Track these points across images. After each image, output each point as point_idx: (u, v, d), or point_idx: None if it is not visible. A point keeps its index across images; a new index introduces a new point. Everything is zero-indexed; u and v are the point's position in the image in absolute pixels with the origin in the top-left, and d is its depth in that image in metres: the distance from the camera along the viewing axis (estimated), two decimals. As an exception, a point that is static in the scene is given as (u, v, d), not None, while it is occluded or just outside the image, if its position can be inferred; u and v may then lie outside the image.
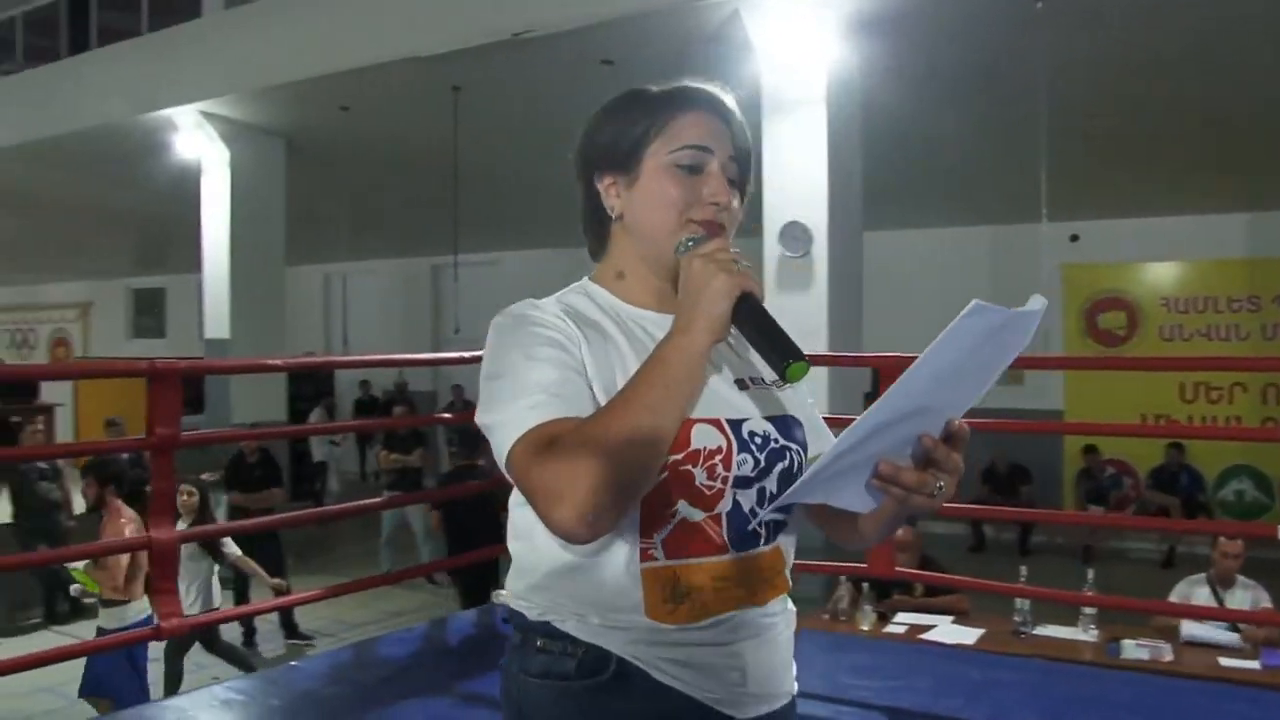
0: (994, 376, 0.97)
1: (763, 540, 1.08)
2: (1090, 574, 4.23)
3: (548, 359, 1.00)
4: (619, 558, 1.01)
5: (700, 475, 1.01)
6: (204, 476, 7.17)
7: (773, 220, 5.55)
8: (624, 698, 1.02)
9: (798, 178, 5.46)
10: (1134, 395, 8.59)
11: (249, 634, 6.05)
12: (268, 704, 2.46)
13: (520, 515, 1.06)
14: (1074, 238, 8.91)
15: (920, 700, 2.46)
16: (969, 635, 4.19)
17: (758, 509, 1.06)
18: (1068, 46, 5.48)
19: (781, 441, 1.09)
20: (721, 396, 1.06)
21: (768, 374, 1.10)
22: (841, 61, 5.58)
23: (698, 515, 1.02)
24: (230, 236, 8.12)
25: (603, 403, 0.99)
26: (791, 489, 1.00)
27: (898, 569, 3.47)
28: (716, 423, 1.04)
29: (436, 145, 7.42)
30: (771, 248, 5.56)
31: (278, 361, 5.68)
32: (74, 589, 4.29)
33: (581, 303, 1.11)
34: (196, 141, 8.03)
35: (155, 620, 2.76)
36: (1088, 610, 4.23)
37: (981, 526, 8.90)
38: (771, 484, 1.07)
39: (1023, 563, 4.73)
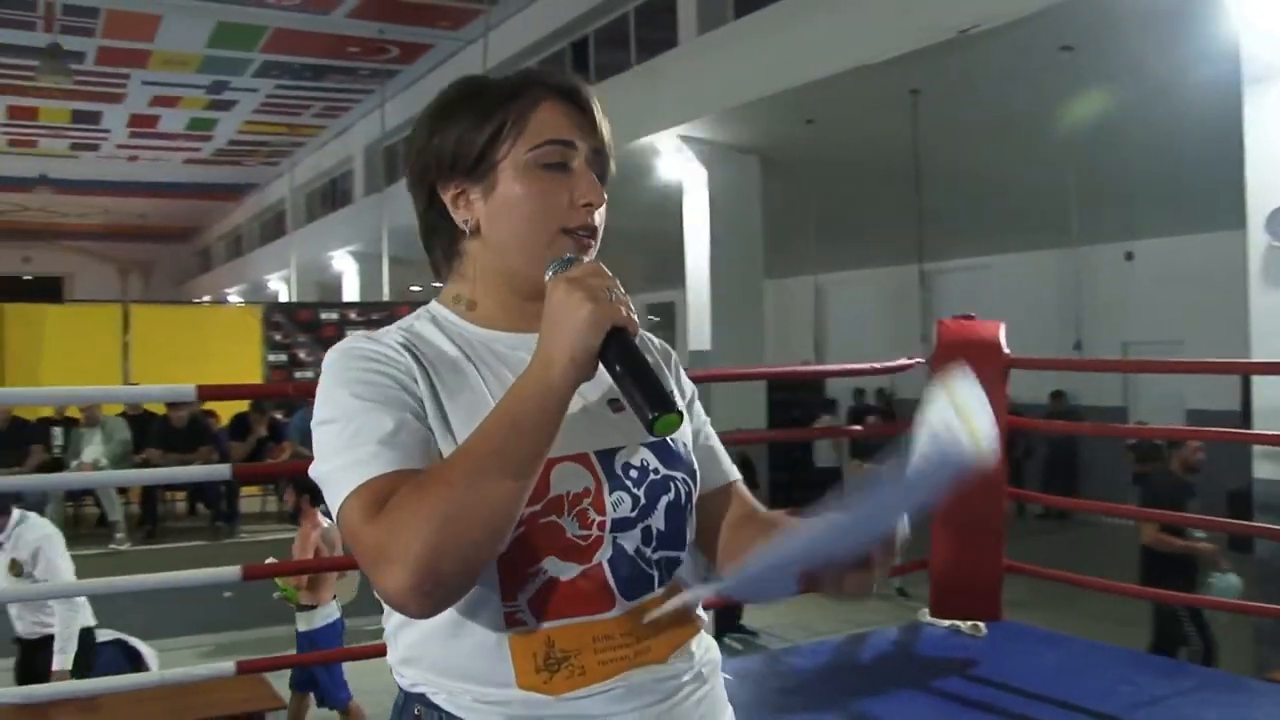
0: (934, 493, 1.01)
1: (656, 582, 1.18)
2: None
3: (382, 401, 1.11)
4: (482, 625, 1.13)
5: (570, 525, 1.13)
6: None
7: (1257, 205, 5.98)
8: None
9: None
10: None
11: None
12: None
13: None
14: None
15: None
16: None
17: (644, 548, 1.18)
18: None
19: (664, 471, 1.21)
20: (587, 425, 1.16)
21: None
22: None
23: (571, 571, 1.13)
24: (710, 252, 10.65)
25: (443, 446, 1.12)
26: (716, 587, 1.16)
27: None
28: (583, 458, 1.15)
29: (901, 151, 9.17)
30: (1257, 237, 5.99)
31: (716, 372, 7.82)
32: (275, 596, 5.57)
33: (427, 330, 1.22)
34: (677, 164, 10.72)
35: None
36: None
37: None
38: (658, 521, 1.19)
39: None
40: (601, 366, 1.07)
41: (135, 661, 5.07)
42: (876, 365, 4.74)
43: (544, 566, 1.13)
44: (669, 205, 11.05)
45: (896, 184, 9.70)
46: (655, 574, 1.19)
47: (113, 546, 8.51)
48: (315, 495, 5.73)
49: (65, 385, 8.64)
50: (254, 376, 11.11)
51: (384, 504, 1.03)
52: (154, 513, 9.36)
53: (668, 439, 1.22)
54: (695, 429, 1.36)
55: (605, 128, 1.24)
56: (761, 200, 10.74)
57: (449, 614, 1.12)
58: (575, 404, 1.10)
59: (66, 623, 4.81)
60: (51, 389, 9.68)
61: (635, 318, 1.08)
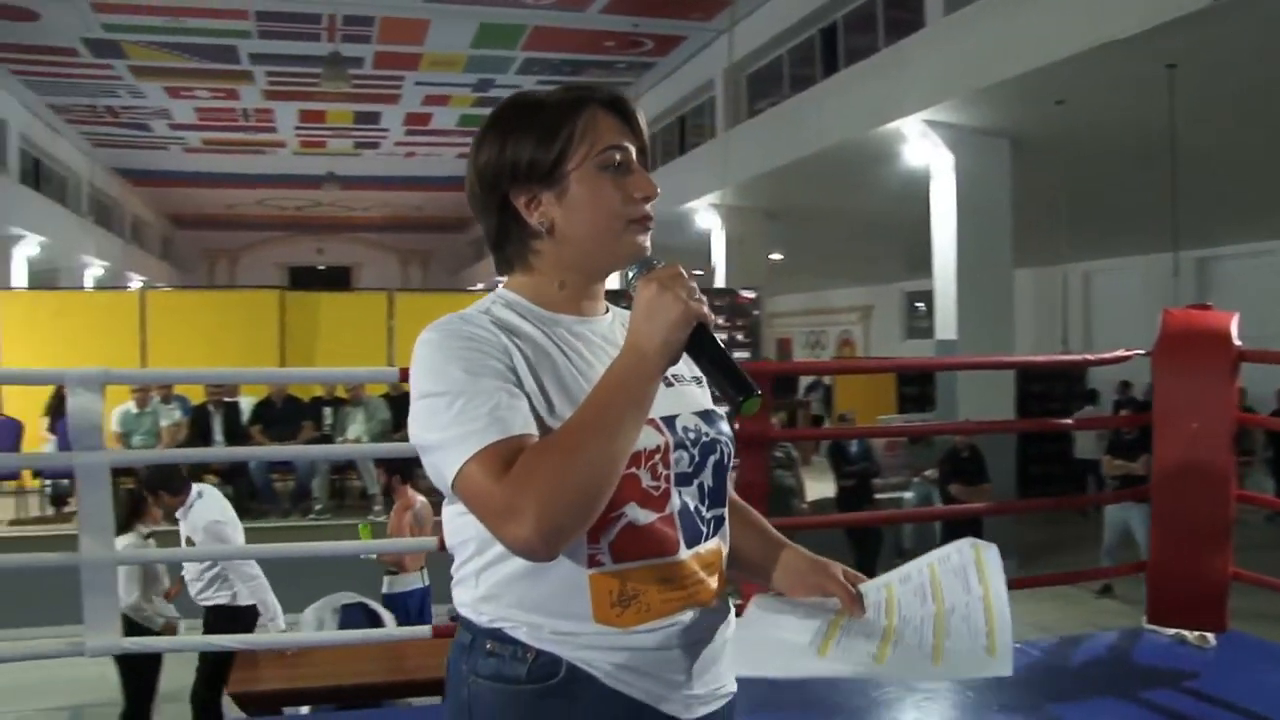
0: None
1: (705, 536, 1.41)
2: None
3: (490, 374, 1.29)
4: (566, 565, 1.32)
5: (645, 477, 1.34)
6: (926, 474, 9.69)
7: None
8: (572, 701, 1.33)
9: None
10: None
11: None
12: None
13: (461, 525, 1.36)
14: None
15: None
16: None
17: (700, 507, 1.41)
18: None
19: (711, 434, 1.43)
20: (657, 396, 1.32)
21: (685, 371, 1.48)
22: None
23: (648, 517, 1.34)
24: (957, 239, 10.49)
25: (539, 413, 1.31)
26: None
27: None
28: (653, 422, 1.35)
29: (1159, 131, 8.77)
30: None
31: (874, 362, 7.76)
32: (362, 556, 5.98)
33: (505, 314, 1.41)
34: (924, 149, 10.61)
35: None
36: None
37: None
38: (707, 478, 1.42)
39: None
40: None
41: (374, 622, 5.58)
42: (1090, 356, 4.66)
43: (625, 512, 1.32)
44: (918, 191, 10.96)
45: (1155, 166, 9.28)
46: (705, 528, 1.41)
47: (370, 518, 9.26)
48: (405, 474, 6.20)
49: (337, 367, 9.52)
50: (505, 360, 11.80)
51: (507, 466, 1.22)
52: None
53: (709, 408, 1.46)
54: None
55: (645, 131, 1.47)
56: (1010, 185, 10.48)
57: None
58: None
59: (259, 594, 5.27)
60: (304, 370, 10.69)
61: (711, 314, 1.30)
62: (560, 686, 1.33)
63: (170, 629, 5.41)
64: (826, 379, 15.95)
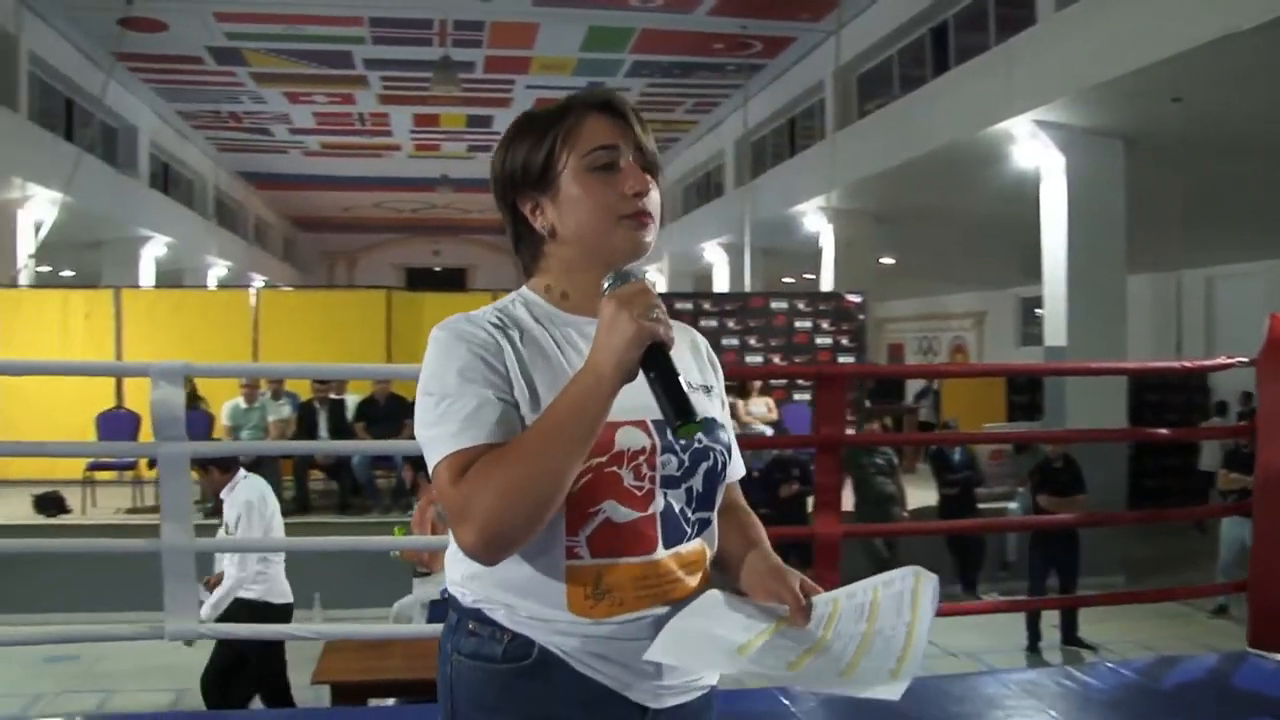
0: None
1: (688, 536, 1.47)
2: None
3: (471, 380, 1.38)
4: (546, 556, 1.40)
5: (628, 476, 1.41)
6: (1019, 489, 9.47)
7: None
8: (544, 683, 1.41)
9: None
10: None
11: (1034, 639, 8.07)
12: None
13: None
14: None
15: None
16: None
17: (686, 508, 1.47)
18: None
19: (706, 441, 1.49)
20: (645, 399, 1.36)
21: (693, 378, 1.54)
22: None
23: (629, 516, 1.41)
24: (1068, 243, 10.20)
25: (526, 409, 1.39)
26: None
27: None
28: (642, 424, 1.42)
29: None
30: None
31: (972, 367, 7.56)
32: (393, 555, 5.71)
33: (519, 311, 1.50)
34: (1033, 151, 10.36)
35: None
36: None
37: None
38: (697, 483, 1.48)
39: None
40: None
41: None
42: (1188, 363, 4.54)
43: (603, 508, 1.40)
44: (1030, 194, 10.71)
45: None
46: (689, 530, 1.48)
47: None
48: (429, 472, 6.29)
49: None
50: (609, 362, 11.90)
51: (464, 472, 1.32)
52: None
53: (708, 416, 1.51)
54: (726, 423, 1.60)
55: (641, 129, 1.50)
56: (1124, 187, 10.17)
57: (533, 544, 1.37)
58: (639, 384, 1.36)
59: (227, 588, 5.28)
60: (396, 366, 10.88)
61: (672, 333, 1.33)
62: (532, 668, 1.41)
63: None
64: (936, 385, 15.71)
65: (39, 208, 13.71)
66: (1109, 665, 3.82)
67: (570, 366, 1.43)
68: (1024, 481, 9.16)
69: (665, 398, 1.32)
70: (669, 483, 1.45)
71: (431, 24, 14.64)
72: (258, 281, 25.05)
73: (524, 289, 1.56)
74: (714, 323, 12.29)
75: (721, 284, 19.79)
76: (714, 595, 1.48)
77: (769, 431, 10.60)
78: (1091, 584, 8.37)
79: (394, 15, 14.28)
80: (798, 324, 12.25)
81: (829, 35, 14.35)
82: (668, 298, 13.28)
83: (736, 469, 1.66)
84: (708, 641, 1.36)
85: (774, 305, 12.41)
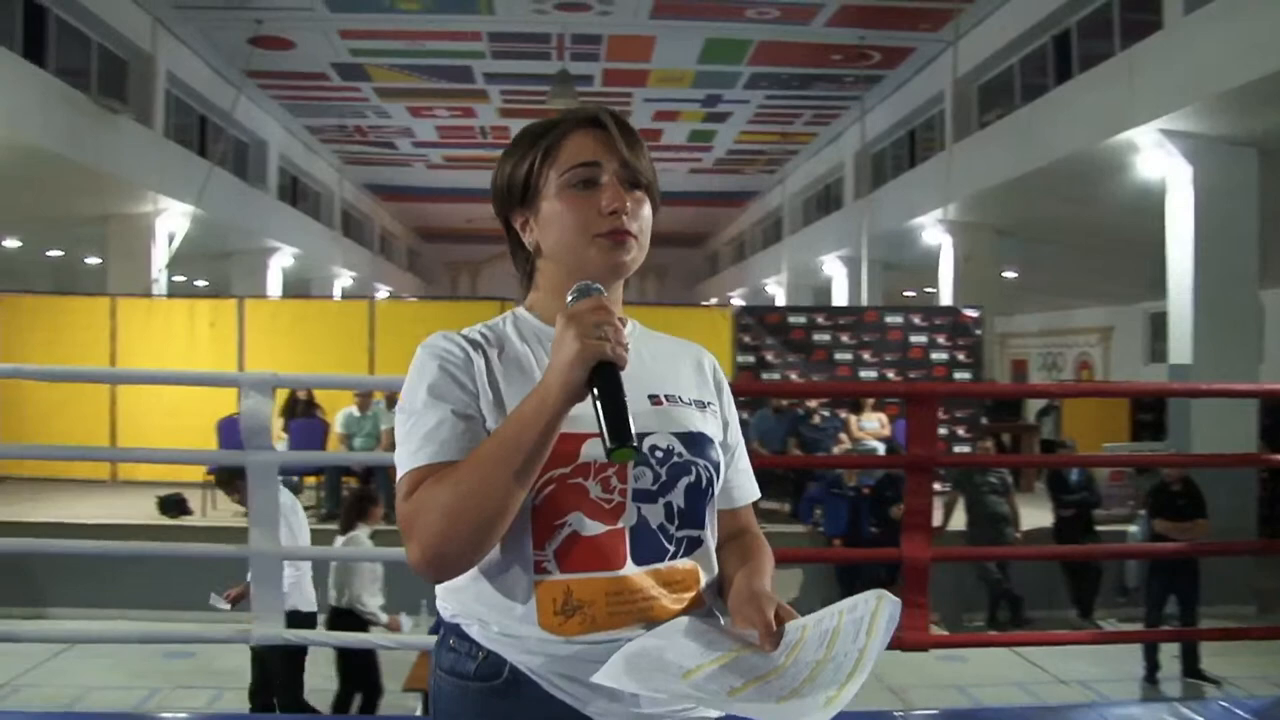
0: None
1: (670, 556, 1.43)
2: None
3: (443, 396, 1.39)
4: (515, 570, 1.38)
5: (595, 488, 1.38)
6: (1140, 511, 9.12)
7: None
8: (515, 703, 1.38)
9: None
10: None
11: (1151, 670, 7.75)
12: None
13: None
14: None
15: None
16: None
17: (667, 524, 1.42)
18: None
19: (686, 456, 1.45)
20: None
21: (686, 393, 1.53)
22: None
23: (596, 529, 1.38)
24: (1195, 257, 9.80)
25: (490, 426, 1.38)
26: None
27: None
28: None
29: None
30: None
31: (1083, 387, 7.29)
32: None
33: (507, 327, 1.51)
34: (1158, 160, 9.99)
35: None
36: None
37: None
38: (678, 498, 1.44)
39: None
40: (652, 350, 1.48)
41: None
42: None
43: (569, 521, 1.37)
44: (1155, 205, 10.34)
45: None
46: (673, 548, 1.44)
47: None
48: None
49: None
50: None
51: (413, 491, 1.33)
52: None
53: (695, 431, 1.48)
54: (730, 443, 1.60)
55: (625, 145, 1.48)
56: (1257, 199, 9.74)
57: (492, 556, 1.38)
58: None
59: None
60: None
61: (624, 351, 1.29)
62: (504, 687, 1.39)
63: (394, 625, 5.63)
64: (1057, 401, 15.27)
65: (172, 220, 14.30)
66: (1223, 704, 3.64)
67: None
68: (1146, 503, 8.83)
69: (603, 418, 1.27)
70: (643, 496, 1.41)
71: (549, 38, 14.83)
72: (382, 292, 25.65)
73: (519, 306, 1.58)
74: (827, 337, 12.16)
75: (840, 298, 19.58)
76: (681, 620, 1.43)
77: (881, 448, 10.44)
78: (1218, 614, 8.06)
79: (512, 30, 14.53)
80: (913, 339, 12.03)
81: (948, 45, 14.10)
82: (780, 312, 13.37)
83: (745, 491, 1.64)
84: (658, 666, 1.31)
85: (889, 320, 12.20)
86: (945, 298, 14.55)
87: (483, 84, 17.27)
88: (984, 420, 12.29)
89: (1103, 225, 13.29)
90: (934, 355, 11.96)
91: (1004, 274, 17.26)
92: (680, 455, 1.44)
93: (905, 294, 20.80)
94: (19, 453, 8.70)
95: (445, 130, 20.59)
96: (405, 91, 17.65)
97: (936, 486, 10.36)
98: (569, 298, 1.35)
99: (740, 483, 1.63)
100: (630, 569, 1.40)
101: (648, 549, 1.41)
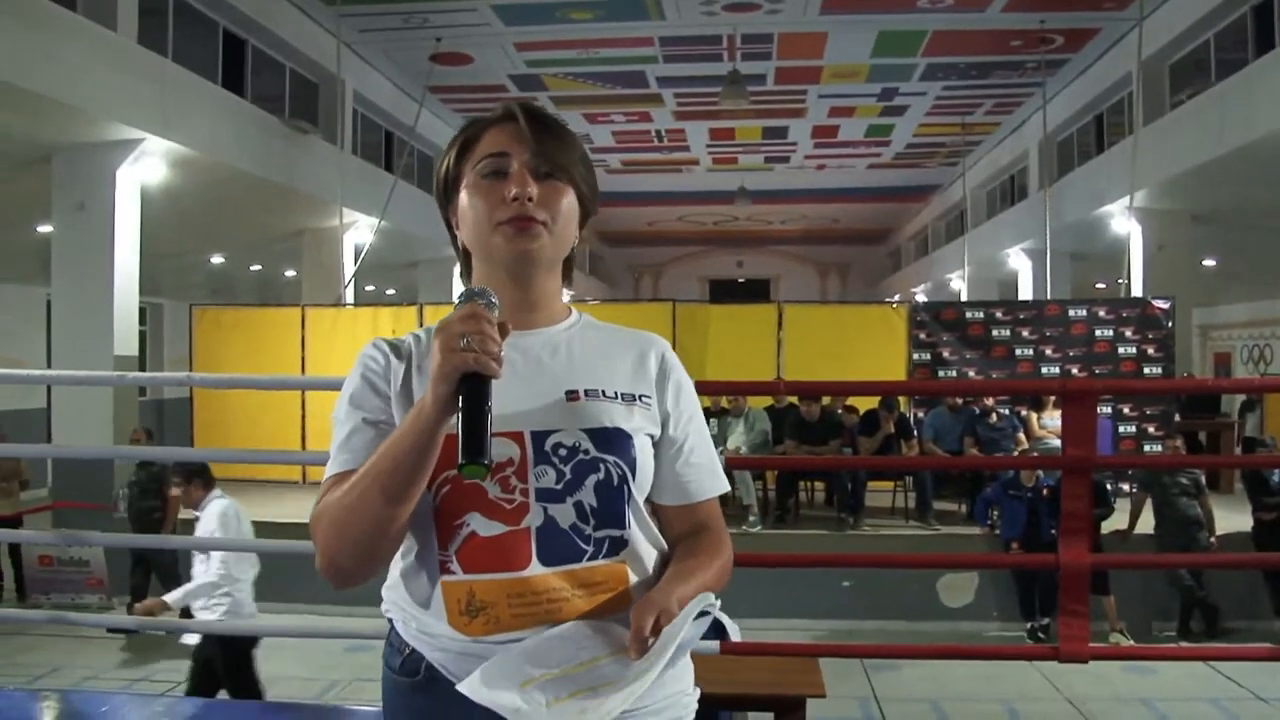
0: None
1: (589, 556, 1.40)
2: None
3: (359, 406, 1.41)
4: (425, 570, 1.41)
5: (493, 489, 1.37)
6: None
7: None
8: (432, 699, 1.40)
9: None
10: None
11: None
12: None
13: None
14: None
15: None
16: None
17: (581, 525, 1.40)
18: None
19: (594, 453, 1.41)
20: (530, 410, 1.40)
21: (614, 387, 1.48)
22: None
23: (495, 529, 1.37)
24: None
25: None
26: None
27: None
28: (516, 435, 1.38)
29: None
30: None
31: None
32: None
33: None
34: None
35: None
36: None
37: None
38: (588, 497, 1.40)
39: None
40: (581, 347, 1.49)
41: (720, 634, 5.62)
42: None
43: (467, 521, 1.37)
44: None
45: None
46: (590, 549, 1.40)
47: (744, 528, 9.41)
48: None
49: (724, 378, 9.71)
50: (898, 373, 11.57)
51: (318, 502, 1.37)
52: (786, 499, 10.17)
53: (610, 427, 1.44)
54: (676, 436, 1.55)
55: (537, 136, 1.47)
56: None
57: (410, 557, 1.44)
58: (523, 394, 1.41)
59: (193, 586, 5.20)
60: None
61: (493, 359, 1.24)
62: (424, 683, 1.42)
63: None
64: (1260, 398, 14.33)
65: (360, 233, 14.90)
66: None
67: None
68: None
69: (462, 432, 1.24)
70: (548, 496, 1.39)
71: (720, 39, 14.82)
72: (565, 296, 26.02)
73: None
74: (1007, 332, 11.71)
75: (1026, 291, 18.91)
76: (569, 625, 1.38)
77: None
78: None
79: (683, 34, 14.57)
80: (1099, 333, 11.46)
81: (1135, 24, 13.40)
82: (957, 308, 12.93)
83: (701, 486, 1.57)
84: (510, 673, 1.31)
85: (1072, 313, 11.64)
86: (1137, 289, 13.83)
87: (656, 88, 17.41)
88: (1177, 417, 11.64)
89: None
90: (1121, 349, 11.36)
91: (1202, 263, 16.33)
92: (586, 453, 1.41)
93: (1097, 286, 19.86)
94: (217, 456, 9.16)
95: (621, 135, 20.82)
96: (581, 99, 17.92)
97: (1125, 487, 10.03)
98: (456, 302, 1.32)
99: (694, 477, 1.56)
100: (536, 569, 1.37)
101: (559, 549, 1.39)
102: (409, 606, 1.44)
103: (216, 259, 17.60)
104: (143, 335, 13.62)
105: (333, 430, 1.45)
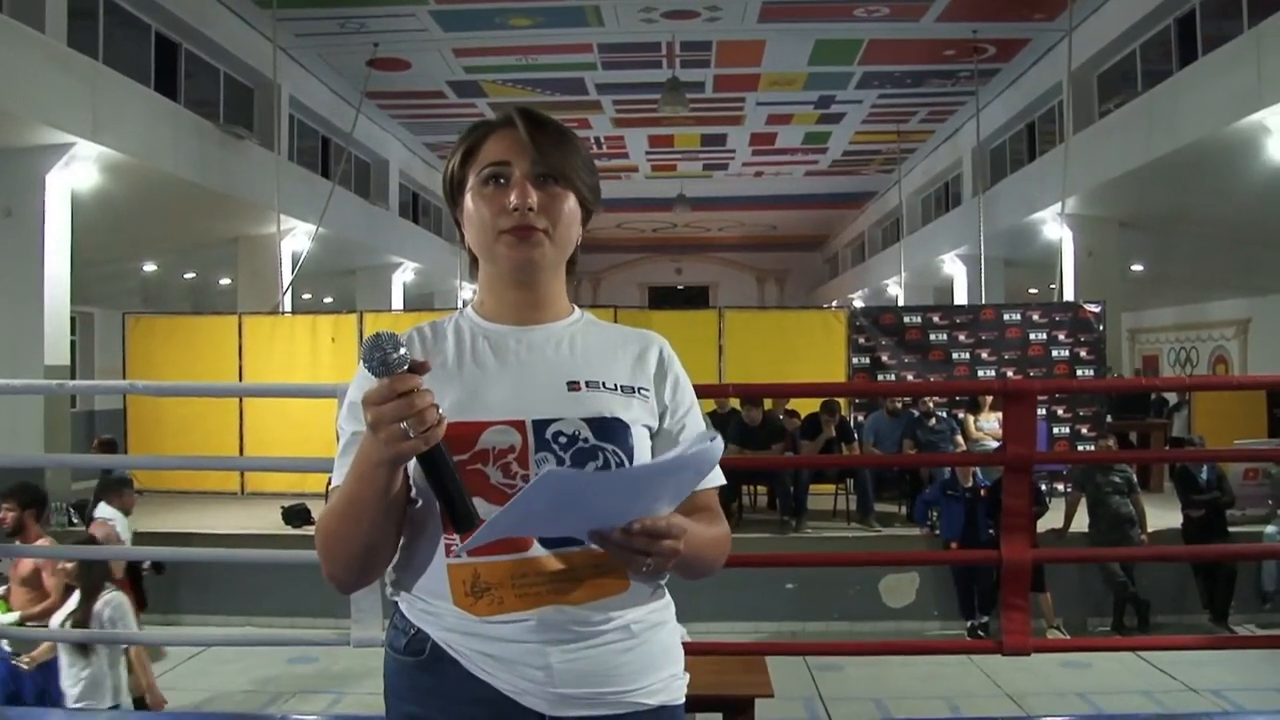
0: (681, 490, 1.36)
1: (587, 541, 1.37)
2: None
3: (356, 416, 1.40)
4: (431, 553, 1.45)
5: (495, 474, 1.41)
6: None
7: None
8: (438, 678, 1.44)
9: None
10: None
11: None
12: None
13: None
14: None
15: None
16: None
17: None
18: None
19: (594, 442, 1.46)
20: (534, 399, 1.46)
21: (614, 379, 1.54)
22: None
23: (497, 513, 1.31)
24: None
25: None
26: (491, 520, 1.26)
27: None
28: (518, 424, 1.43)
29: None
30: None
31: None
32: None
33: (447, 327, 1.57)
34: (1293, 144, 9.49)
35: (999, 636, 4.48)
36: None
37: None
38: None
39: None
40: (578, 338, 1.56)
41: None
42: None
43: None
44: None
45: None
46: None
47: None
48: None
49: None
50: (838, 377, 11.64)
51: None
52: (729, 503, 10.15)
53: (609, 416, 1.48)
54: (673, 428, 1.58)
55: (537, 142, 1.50)
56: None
57: (416, 540, 1.47)
58: (527, 384, 1.47)
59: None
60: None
61: (434, 433, 1.26)
62: (429, 663, 1.45)
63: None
64: (1187, 396, 14.61)
65: (297, 240, 14.72)
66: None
67: (464, 378, 1.49)
68: (1281, 503, 8.40)
69: (442, 509, 1.35)
70: None
71: (659, 46, 14.86)
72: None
73: (466, 305, 1.66)
74: (944, 336, 11.86)
75: (961, 296, 19.17)
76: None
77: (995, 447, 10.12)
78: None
79: (622, 40, 14.60)
80: (1033, 336, 11.66)
81: (1064, 34, 13.65)
82: (895, 312, 13.07)
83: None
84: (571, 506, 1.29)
85: (1007, 317, 11.83)
86: (1069, 294, 14.07)
87: (595, 95, 17.43)
88: (1109, 419, 11.86)
89: (1237, 214, 12.67)
90: (1055, 352, 11.57)
91: (1131, 268, 16.65)
92: (586, 441, 1.45)
93: (1030, 291, 20.20)
94: (151, 464, 9.03)
95: (560, 142, 20.72)
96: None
97: (1059, 487, 10.20)
98: (360, 360, 1.31)
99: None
100: (538, 551, 1.41)
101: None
102: (413, 585, 1.49)
103: (149, 266, 17.32)
104: (73, 345, 13.31)
105: (340, 429, 1.50)
